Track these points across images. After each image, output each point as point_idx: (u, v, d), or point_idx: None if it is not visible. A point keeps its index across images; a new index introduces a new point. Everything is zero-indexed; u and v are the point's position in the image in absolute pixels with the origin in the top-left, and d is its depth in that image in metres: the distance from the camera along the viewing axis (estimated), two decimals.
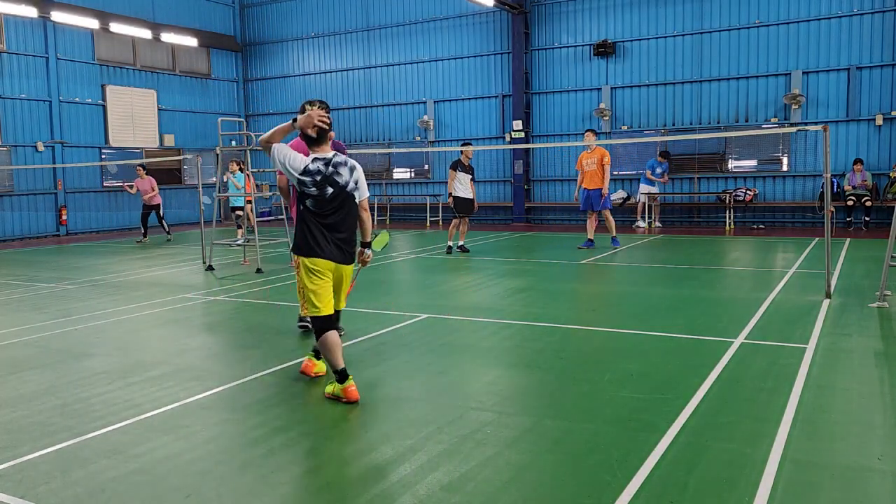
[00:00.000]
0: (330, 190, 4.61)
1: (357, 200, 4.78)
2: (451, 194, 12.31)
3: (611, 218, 12.99)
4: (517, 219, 20.10)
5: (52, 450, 3.94)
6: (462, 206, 12.37)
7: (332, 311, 4.73)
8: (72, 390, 5.05)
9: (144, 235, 16.97)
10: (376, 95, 22.45)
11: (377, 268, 11.26)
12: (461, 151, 12.45)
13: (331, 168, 4.63)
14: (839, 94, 16.39)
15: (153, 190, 16.94)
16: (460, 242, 12.79)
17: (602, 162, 12.41)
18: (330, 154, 4.69)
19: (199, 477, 3.59)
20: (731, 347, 5.76)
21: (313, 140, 4.66)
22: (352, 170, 4.73)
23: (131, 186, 17.45)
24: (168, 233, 17.40)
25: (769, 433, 3.91)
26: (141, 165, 17.25)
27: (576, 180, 19.31)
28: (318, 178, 4.59)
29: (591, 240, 12.90)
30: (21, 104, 18.83)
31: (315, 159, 4.62)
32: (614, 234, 13.08)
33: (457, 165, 12.33)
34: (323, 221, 4.64)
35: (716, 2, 17.40)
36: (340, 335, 4.95)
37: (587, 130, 12.57)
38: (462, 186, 12.30)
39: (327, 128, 4.64)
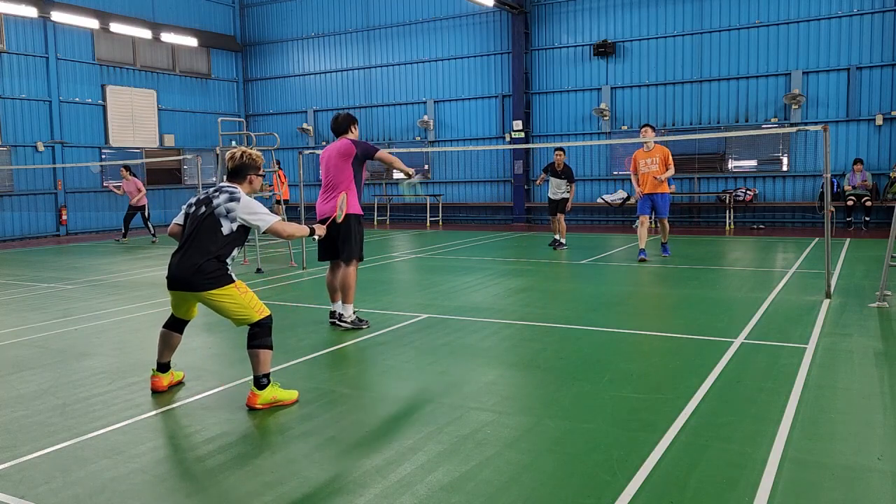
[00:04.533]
0: (202, 209, 4.61)
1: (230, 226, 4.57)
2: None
3: (667, 224, 11.47)
4: (517, 219, 20.10)
5: (52, 450, 3.93)
6: (549, 206, 13.40)
7: (178, 316, 4.92)
8: (72, 390, 5.04)
9: (124, 235, 16.85)
10: (376, 95, 22.45)
11: (377, 268, 11.27)
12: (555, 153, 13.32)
13: (213, 191, 4.69)
14: (839, 94, 16.39)
15: (139, 191, 16.80)
16: (556, 236, 13.45)
17: (667, 163, 10.89)
18: (225, 184, 4.77)
19: (199, 477, 3.59)
20: (731, 347, 5.76)
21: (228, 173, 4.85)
22: (231, 200, 4.60)
23: (118, 187, 17.30)
24: (153, 234, 17.06)
25: (769, 433, 3.91)
26: (125, 167, 17.05)
27: (577, 180, 19.46)
28: (202, 196, 4.70)
29: (644, 249, 11.24)
30: (21, 104, 18.83)
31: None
32: (666, 238, 11.62)
33: (548, 168, 13.30)
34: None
35: (716, 2, 17.41)
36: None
37: (644, 126, 10.99)
38: (550, 188, 13.30)
39: (237, 164, 4.74)
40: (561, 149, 13.16)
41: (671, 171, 11.00)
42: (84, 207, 20.37)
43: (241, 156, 4.74)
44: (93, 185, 20.54)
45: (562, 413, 4.38)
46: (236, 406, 4.64)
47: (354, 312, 6.85)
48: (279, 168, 16.83)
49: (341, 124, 6.86)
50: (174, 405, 4.69)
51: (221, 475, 3.60)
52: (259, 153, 4.86)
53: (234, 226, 4.56)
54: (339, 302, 6.91)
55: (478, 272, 10.55)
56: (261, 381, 4.57)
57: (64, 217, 19.73)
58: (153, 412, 4.55)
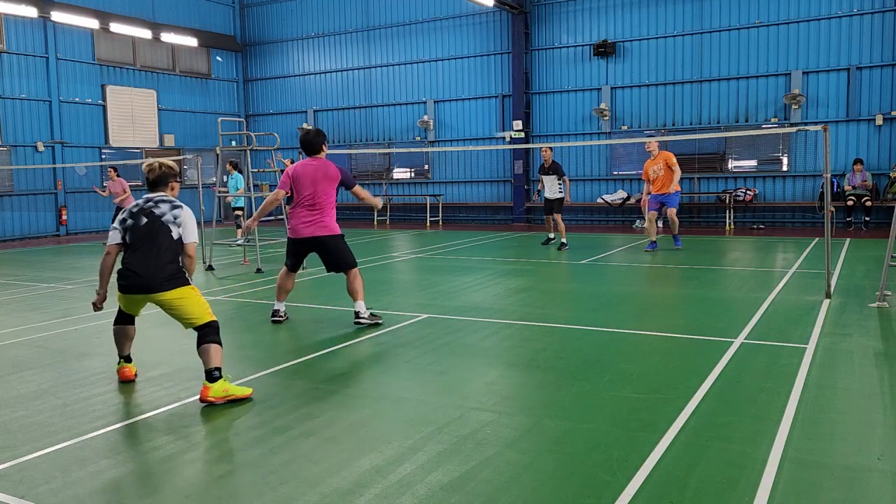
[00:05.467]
0: (144, 220, 4.88)
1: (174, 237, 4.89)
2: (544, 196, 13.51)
3: (675, 218, 12.48)
4: (517, 219, 20.10)
5: (52, 450, 3.94)
6: (545, 206, 13.51)
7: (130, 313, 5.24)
8: (72, 390, 5.05)
9: None
10: (376, 95, 22.45)
11: (378, 268, 11.27)
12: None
13: (146, 204, 4.97)
14: (839, 94, 16.39)
15: (125, 192, 16.62)
16: (550, 235, 13.72)
17: (669, 164, 12.13)
18: (156, 195, 5.07)
19: (198, 477, 3.59)
20: (731, 347, 5.76)
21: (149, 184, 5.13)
22: (174, 208, 4.97)
23: (103, 189, 17.10)
24: None
25: (769, 433, 3.91)
26: (112, 167, 16.90)
27: (578, 180, 19.55)
28: (135, 210, 4.95)
29: (655, 241, 12.56)
30: (21, 104, 18.83)
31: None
32: (676, 232, 12.61)
33: (540, 169, 13.48)
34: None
35: (716, 2, 17.41)
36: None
37: (650, 139, 12.18)
38: (545, 188, 13.35)
39: (157, 174, 5.09)
40: (548, 147, 13.33)
41: (677, 173, 12.14)
42: (84, 207, 20.36)
43: (160, 167, 5.14)
44: (93, 185, 20.52)
45: (562, 413, 4.38)
46: (236, 406, 4.64)
47: (369, 309, 7.04)
48: None
49: (314, 141, 6.91)
50: (174, 405, 4.69)
51: (221, 475, 3.60)
52: (174, 162, 5.28)
53: (181, 230, 4.95)
54: (283, 301, 7.21)
55: (478, 272, 10.55)
56: (213, 375, 4.71)
57: (64, 217, 19.73)
58: (153, 412, 4.55)
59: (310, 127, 23.27)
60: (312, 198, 6.77)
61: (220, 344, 4.84)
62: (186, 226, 4.95)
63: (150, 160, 5.20)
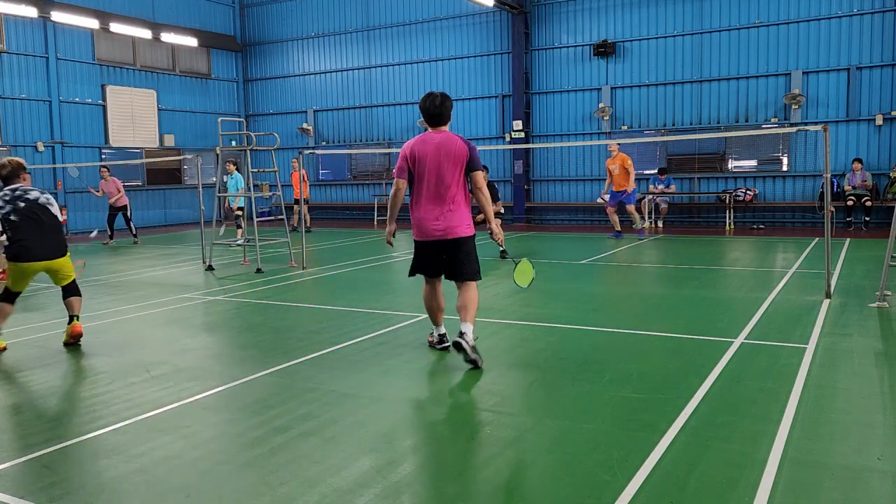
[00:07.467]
0: (22, 204, 6.10)
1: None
2: None
3: (635, 212, 14.89)
4: (517, 219, 20.09)
5: (53, 450, 3.94)
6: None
7: (17, 290, 6.41)
8: (72, 390, 5.05)
9: (111, 237, 16.54)
10: (376, 95, 22.45)
11: (378, 268, 11.27)
12: None
13: (18, 192, 6.16)
14: (839, 94, 16.39)
15: (119, 191, 16.46)
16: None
17: (625, 167, 14.39)
18: (18, 186, 6.25)
19: (199, 477, 3.59)
20: (731, 347, 5.76)
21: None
22: (43, 192, 6.32)
23: (97, 189, 16.92)
24: (135, 236, 16.80)
25: (769, 433, 3.91)
26: (104, 166, 16.77)
27: (578, 180, 19.60)
28: (7, 198, 6.10)
29: (619, 231, 15.02)
30: (21, 104, 18.83)
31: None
32: (638, 224, 15.03)
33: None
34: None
35: (716, 2, 17.40)
36: None
37: (612, 141, 13.87)
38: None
39: (10, 170, 6.26)
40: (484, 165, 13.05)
41: (632, 175, 14.49)
42: (84, 207, 20.35)
43: (9, 163, 6.26)
44: (93, 185, 20.49)
45: (562, 413, 4.38)
46: (236, 406, 4.65)
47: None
48: (301, 168, 16.95)
49: (445, 106, 5.32)
50: (174, 405, 4.69)
51: (221, 475, 3.60)
52: (17, 159, 6.39)
53: (54, 209, 6.29)
54: (442, 322, 5.92)
55: None
56: (77, 318, 6.33)
57: (64, 217, 19.69)
58: (153, 412, 4.55)
59: (310, 127, 23.26)
60: (437, 184, 5.28)
61: (80, 295, 6.50)
62: (55, 204, 6.28)
63: (1, 159, 6.31)
